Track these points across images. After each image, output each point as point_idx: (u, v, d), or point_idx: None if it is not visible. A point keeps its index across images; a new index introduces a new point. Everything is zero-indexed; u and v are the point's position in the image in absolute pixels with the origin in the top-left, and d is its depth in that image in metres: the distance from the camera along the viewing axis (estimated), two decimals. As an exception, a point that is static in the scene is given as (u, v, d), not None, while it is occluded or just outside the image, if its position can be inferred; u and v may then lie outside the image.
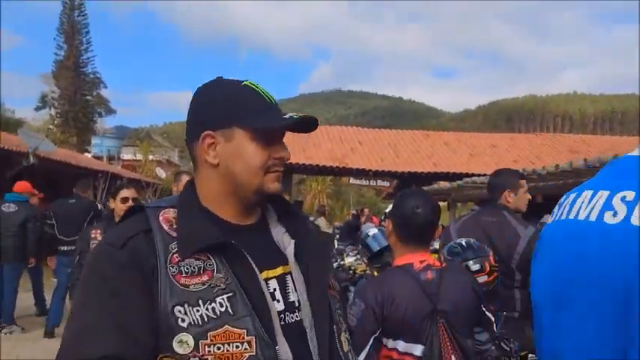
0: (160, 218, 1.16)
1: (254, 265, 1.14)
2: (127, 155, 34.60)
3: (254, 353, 1.07)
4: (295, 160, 15.30)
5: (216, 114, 1.19)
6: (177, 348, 1.05)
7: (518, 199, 3.16)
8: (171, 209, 1.19)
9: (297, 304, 1.19)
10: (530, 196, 3.24)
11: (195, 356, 1.05)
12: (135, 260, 1.08)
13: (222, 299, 1.08)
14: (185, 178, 5.05)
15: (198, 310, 1.06)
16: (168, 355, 1.05)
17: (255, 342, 1.07)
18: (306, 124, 1.23)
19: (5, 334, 6.86)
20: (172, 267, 1.09)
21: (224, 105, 1.19)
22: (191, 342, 1.05)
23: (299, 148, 17.19)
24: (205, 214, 1.20)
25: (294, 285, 1.21)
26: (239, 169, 1.19)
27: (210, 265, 1.11)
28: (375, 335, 2.04)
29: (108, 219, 4.23)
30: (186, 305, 1.06)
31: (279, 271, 1.21)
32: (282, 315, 1.16)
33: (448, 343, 2.05)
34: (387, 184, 18.67)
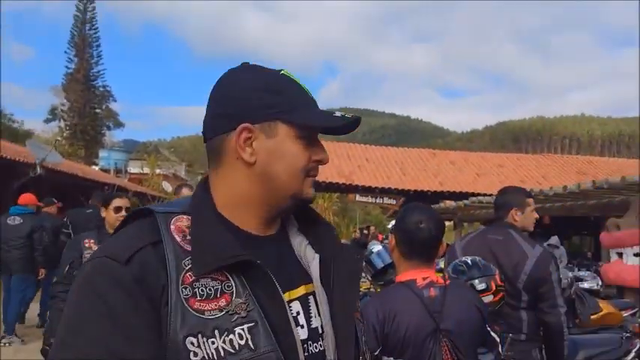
0: (172, 227, 0.98)
1: (280, 289, 0.98)
2: (134, 169, 34.73)
3: None
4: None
5: (257, 104, 1.01)
6: None
7: (525, 217, 3.11)
8: (184, 216, 1.00)
9: (320, 331, 1.03)
10: (537, 215, 3.19)
11: None
12: (142, 279, 0.90)
13: (242, 330, 0.91)
14: (185, 191, 5.02)
15: (213, 343, 0.89)
16: None
17: None
18: (351, 126, 1.07)
19: (4, 344, 6.83)
20: (185, 288, 0.91)
21: (266, 94, 1.01)
22: None
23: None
24: (222, 223, 1.02)
25: (317, 308, 1.05)
26: (280, 170, 1.02)
27: (228, 286, 0.94)
28: (375, 354, 1.99)
29: (99, 228, 4.10)
30: (199, 336, 0.89)
31: (301, 291, 1.05)
32: (306, 345, 1.00)
33: (451, 364, 2.00)
34: (393, 201, 18.63)
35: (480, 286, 2.51)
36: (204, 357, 0.88)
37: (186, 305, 0.90)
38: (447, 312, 2.04)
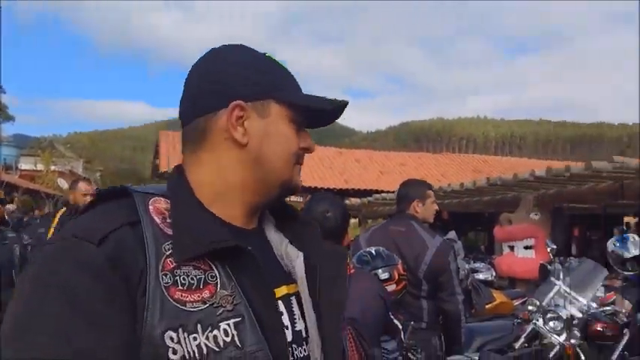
0: (150, 208, 0.86)
1: (268, 282, 0.89)
2: (25, 165, 32.76)
3: None
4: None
5: (249, 81, 0.92)
6: None
7: (425, 209, 3.22)
8: (162, 199, 0.89)
9: (304, 335, 0.95)
10: (437, 207, 3.31)
11: None
12: (117, 262, 0.78)
13: (228, 325, 0.81)
14: (82, 186, 4.76)
15: (195, 339, 0.78)
16: None
17: None
18: (337, 113, 1.01)
19: None
20: (165, 275, 0.80)
21: (257, 73, 0.93)
22: None
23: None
24: (203, 210, 0.91)
25: (300, 310, 0.96)
26: (272, 153, 0.93)
27: (212, 276, 0.83)
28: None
29: None
30: (180, 330, 0.78)
31: (283, 290, 0.95)
32: (290, 348, 0.91)
33: (355, 352, 2.02)
34: (300, 199, 18.72)
35: (384, 276, 2.56)
36: (184, 355, 0.77)
37: (166, 294, 0.79)
38: (352, 301, 2.06)
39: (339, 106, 0.97)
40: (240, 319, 0.82)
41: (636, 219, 13.22)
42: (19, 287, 0.80)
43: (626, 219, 13.27)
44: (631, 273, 4.59)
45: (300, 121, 0.96)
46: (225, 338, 0.80)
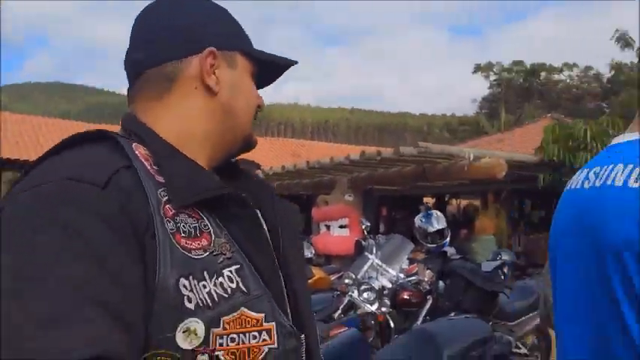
0: (137, 152, 0.80)
1: (265, 229, 0.88)
2: None
3: (275, 345, 0.79)
4: (6, 154, 13.54)
5: (219, 30, 0.91)
6: (182, 341, 0.72)
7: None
8: (141, 145, 0.82)
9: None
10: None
11: (204, 352, 0.73)
12: (125, 208, 0.72)
13: (231, 272, 0.78)
14: None
15: (205, 286, 0.75)
16: (163, 351, 0.71)
17: (276, 330, 0.80)
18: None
19: None
20: (169, 222, 0.75)
21: (225, 22, 0.93)
22: (201, 331, 0.73)
23: (11, 141, 15.17)
24: (186, 158, 0.85)
25: None
26: (239, 105, 0.91)
27: (205, 225, 0.80)
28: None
29: None
30: (191, 278, 0.74)
31: None
32: None
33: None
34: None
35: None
36: (198, 303, 0.73)
37: (173, 241, 0.74)
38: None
39: (287, 66, 1.00)
40: (239, 266, 0.80)
41: (434, 199, 14.78)
42: (16, 231, 0.67)
43: (425, 199, 14.76)
44: (434, 245, 5.17)
45: (255, 77, 0.96)
46: (231, 285, 0.78)
